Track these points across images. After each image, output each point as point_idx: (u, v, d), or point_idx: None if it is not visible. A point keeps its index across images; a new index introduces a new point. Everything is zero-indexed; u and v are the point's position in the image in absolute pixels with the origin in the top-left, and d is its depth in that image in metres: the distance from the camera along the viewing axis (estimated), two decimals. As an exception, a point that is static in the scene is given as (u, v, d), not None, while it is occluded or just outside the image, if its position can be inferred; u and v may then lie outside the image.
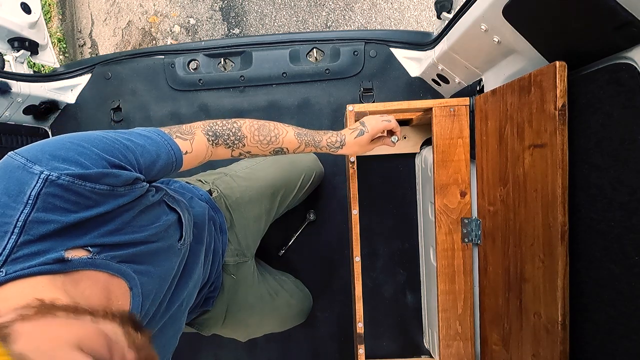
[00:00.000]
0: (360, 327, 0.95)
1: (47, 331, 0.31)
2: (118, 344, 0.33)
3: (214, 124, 0.68)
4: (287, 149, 0.76)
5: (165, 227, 0.57)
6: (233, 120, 0.71)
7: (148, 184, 0.54)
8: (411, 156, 1.25)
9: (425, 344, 1.27)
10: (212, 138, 0.67)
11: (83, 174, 0.43)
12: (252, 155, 0.75)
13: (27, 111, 1.18)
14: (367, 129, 0.82)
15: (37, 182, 0.40)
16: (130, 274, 0.48)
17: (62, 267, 0.41)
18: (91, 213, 0.44)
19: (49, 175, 0.41)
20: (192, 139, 0.64)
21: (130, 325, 0.37)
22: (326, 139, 0.80)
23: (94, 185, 0.44)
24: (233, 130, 0.70)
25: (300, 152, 0.79)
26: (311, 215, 1.27)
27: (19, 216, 0.39)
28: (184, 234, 0.62)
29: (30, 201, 0.40)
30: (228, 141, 0.69)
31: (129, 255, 0.49)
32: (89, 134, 0.49)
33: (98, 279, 0.44)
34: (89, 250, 0.44)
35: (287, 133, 0.75)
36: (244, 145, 0.71)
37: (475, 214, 0.93)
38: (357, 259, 0.95)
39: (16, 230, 0.39)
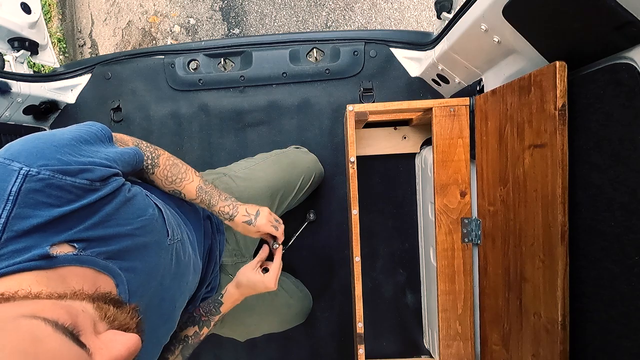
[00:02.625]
0: (360, 327, 0.95)
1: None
2: (86, 313, 0.33)
3: (140, 142, 0.72)
4: (185, 195, 0.77)
5: (151, 220, 0.57)
6: (155, 147, 0.74)
7: (124, 179, 0.55)
8: (411, 156, 1.25)
9: (425, 344, 1.27)
10: None
11: (62, 169, 0.44)
12: (153, 185, 0.76)
13: (27, 111, 1.18)
14: (255, 222, 0.81)
15: (17, 178, 0.41)
16: (116, 270, 0.49)
17: (48, 263, 0.41)
18: (73, 207, 0.44)
19: (29, 170, 0.41)
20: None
21: (102, 301, 0.37)
22: (220, 206, 0.80)
23: (74, 180, 0.45)
24: (152, 155, 0.72)
25: (195, 203, 0.79)
26: (311, 215, 1.27)
27: (1, 213, 0.39)
28: (168, 229, 0.63)
29: (11, 197, 0.40)
30: (145, 163, 0.71)
31: (115, 251, 0.49)
32: (63, 131, 0.51)
33: (85, 275, 0.44)
34: (74, 247, 0.44)
35: (192, 182, 0.77)
36: (153, 174, 0.73)
37: (475, 214, 0.93)
38: (357, 259, 0.95)
39: None
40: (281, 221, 0.85)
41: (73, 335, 0.28)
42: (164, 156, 0.75)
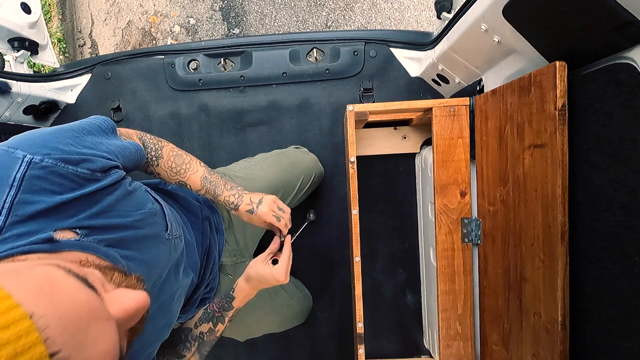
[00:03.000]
0: (360, 327, 0.95)
1: (14, 263, 0.32)
2: (94, 275, 0.33)
3: (144, 134, 0.72)
4: (190, 186, 0.77)
5: (151, 214, 0.58)
6: (159, 139, 0.74)
7: (125, 173, 0.56)
8: (411, 156, 1.25)
9: (425, 344, 1.27)
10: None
11: (65, 158, 0.45)
12: (159, 178, 0.76)
13: (27, 111, 1.18)
14: (256, 211, 0.79)
15: (21, 165, 0.42)
16: (117, 257, 0.49)
17: (51, 247, 0.42)
18: (75, 195, 0.45)
19: (33, 158, 0.43)
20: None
21: (108, 269, 0.38)
22: (225, 196, 0.79)
23: (76, 169, 0.46)
24: (156, 147, 0.73)
25: (200, 194, 0.79)
26: (311, 215, 1.27)
27: (6, 198, 0.41)
28: (168, 224, 0.64)
29: (15, 183, 0.41)
30: (148, 156, 0.71)
31: (116, 239, 0.50)
32: (65, 125, 0.52)
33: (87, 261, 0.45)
34: (76, 233, 0.45)
35: (196, 172, 0.77)
36: (158, 165, 0.73)
37: (475, 214, 0.93)
38: (357, 259, 0.95)
39: (4, 212, 0.40)
40: (287, 209, 0.83)
41: (85, 281, 0.29)
42: (168, 147, 0.75)
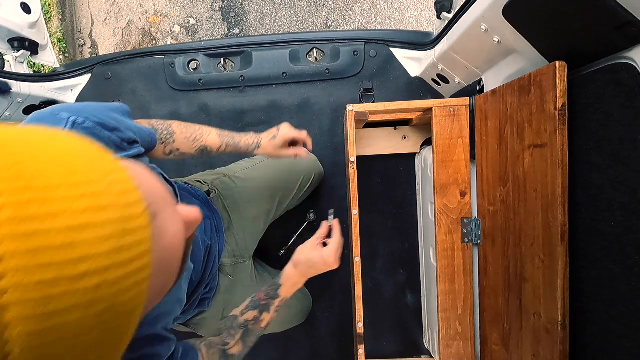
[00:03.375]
0: (360, 327, 0.95)
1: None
2: None
3: (151, 120, 0.77)
4: (210, 147, 0.82)
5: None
6: (164, 120, 0.79)
7: (143, 150, 0.60)
8: (411, 156, 1.25)
9: (425, 344, 1.27)
10: None
11: (102, 123, 0.50)
12: (181, 154, 0.79)
13: (27, 111, 1.17)
14: (278, 134, 0.86)
15: (66, 124, 0.46)
16: None
17: None
18: None
19: (77, 119, 0.47)
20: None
21: None
22: (244, 140, 0.85)
23: (110, 135, 0.51)
24: (165, 126, 0.76)
25: (222, 151, 0.83)
26: (311, 215, 1.27)
27: None
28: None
29: None
30: (161, 136, 0.75)
31: None
32: (91, 102, 0.57)
33: None
34: None
35: (210, 133, 0.82)
36: (174, 141, 0.77)
37: (475, 214, 0.93)
38: (357, 259, 0.95)
39: None
40: (302, 131, 0.89)
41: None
42: (175, 123, 0.79)
